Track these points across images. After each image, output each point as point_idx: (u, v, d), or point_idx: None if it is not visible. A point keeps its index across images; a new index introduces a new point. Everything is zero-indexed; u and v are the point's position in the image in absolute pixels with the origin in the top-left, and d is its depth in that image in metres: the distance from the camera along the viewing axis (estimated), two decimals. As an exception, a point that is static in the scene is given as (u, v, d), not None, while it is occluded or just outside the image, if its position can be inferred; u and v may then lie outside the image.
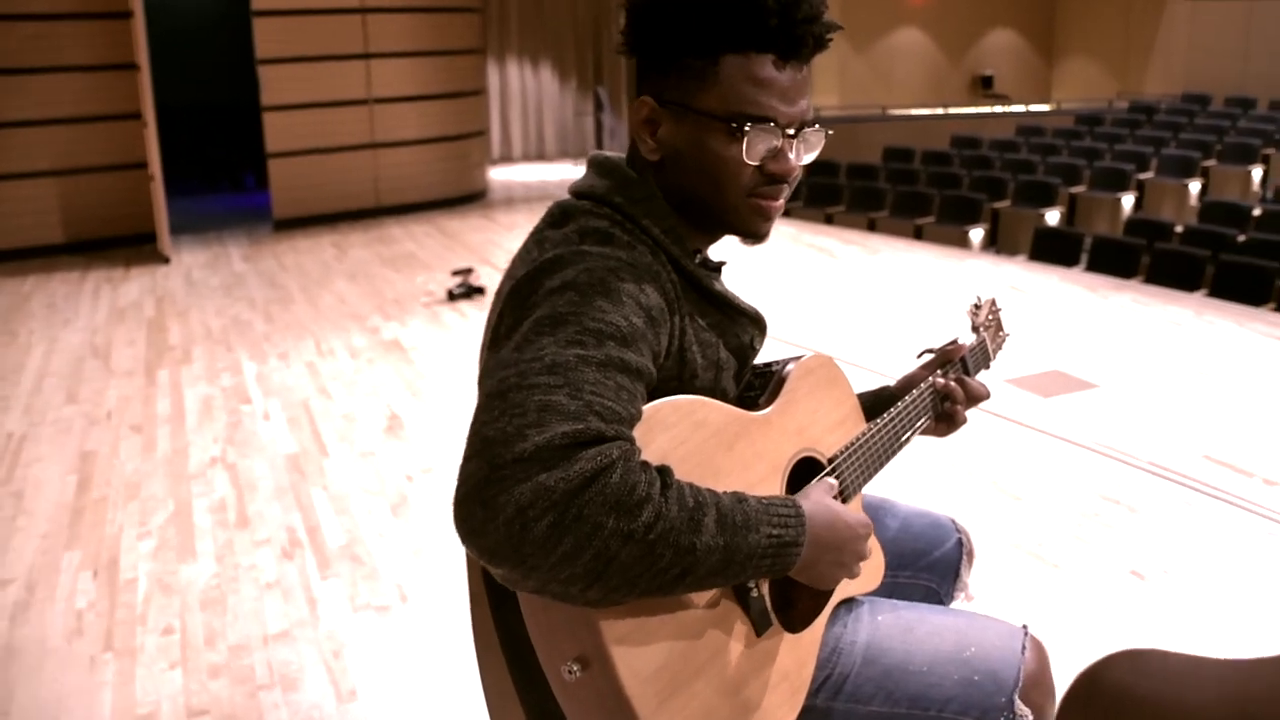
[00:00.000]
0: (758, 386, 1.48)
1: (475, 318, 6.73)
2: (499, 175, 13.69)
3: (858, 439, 1.53)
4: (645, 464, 1.09)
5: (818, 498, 1.30)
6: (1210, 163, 10.83)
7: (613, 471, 1.05)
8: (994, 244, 9.63)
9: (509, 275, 1.35)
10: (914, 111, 15.33)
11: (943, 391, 1.70)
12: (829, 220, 10.66)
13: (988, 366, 1.92)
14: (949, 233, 9.37)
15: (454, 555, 3.60)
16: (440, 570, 3.51)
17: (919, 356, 1.82)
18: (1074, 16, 18.38)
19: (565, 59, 15.75)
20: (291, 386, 5.47)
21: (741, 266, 8.16)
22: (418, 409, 5.08)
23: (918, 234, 9.66)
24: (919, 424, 1.67)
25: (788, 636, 1.34)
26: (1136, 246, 7.48)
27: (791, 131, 1.34)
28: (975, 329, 1.91)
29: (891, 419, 1.61)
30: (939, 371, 1.75)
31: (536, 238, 1.37)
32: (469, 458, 1.09)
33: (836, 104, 15.79)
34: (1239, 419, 4.73)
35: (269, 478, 4.30)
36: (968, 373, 1.80)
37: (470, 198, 11.65)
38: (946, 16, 17.46)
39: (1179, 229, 7.98)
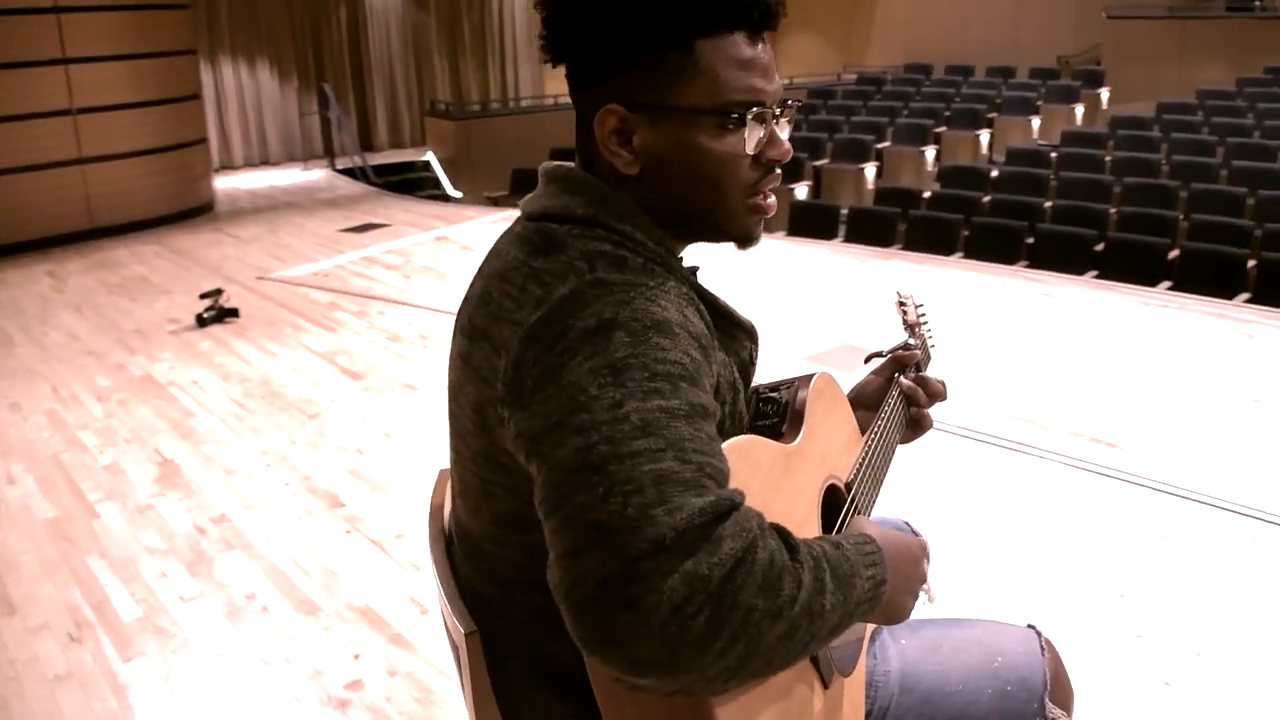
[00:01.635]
0: (771, 413, 1.32)
1: (236, 345, 6.16)
2: (222, 184, 12.76)
3: (863, 457, 1.43)
4: (766, 527, 0.98)
5: (871, 526, 1.20)
6: (941, 129, 11.41)
7: (757, 547, 0.93)
8: (749, 221, 9.76)
9: (504, 319, 1.10)
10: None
11: (909, 394, 1.60)
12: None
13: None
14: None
15: (274, 609, 3.20)
16: (260, 627, 3.11)
17: (867, 361, 1.70)
18: (794, -8, 19.03)
19: (284, 56, 14.88)
20: (34, 441, 4.79)
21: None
22: (192, 451, 4.56)
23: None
24: (900, 431, 1.58)
25: (845, 681, 1.27)
26: (891, 215, 7.75)
27: (778, 111, 1.20)
28: (911, 328, 1.78)
29: (882, 430, 1.51)
30: (898, 375, 1.63)
31: (525, 270, 1.13)
32: (581, 550, 0.91)
33: (555, 91, 15.70)
34: (1030, 375, 4.91)
35: (31, 551, 3.72)
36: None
37: (196, 211, 10.77)
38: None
39: (926, 195, 8.34)
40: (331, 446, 4.53)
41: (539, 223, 1.17)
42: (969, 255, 7.22)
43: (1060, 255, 6.80)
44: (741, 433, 1.20)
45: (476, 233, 9.15)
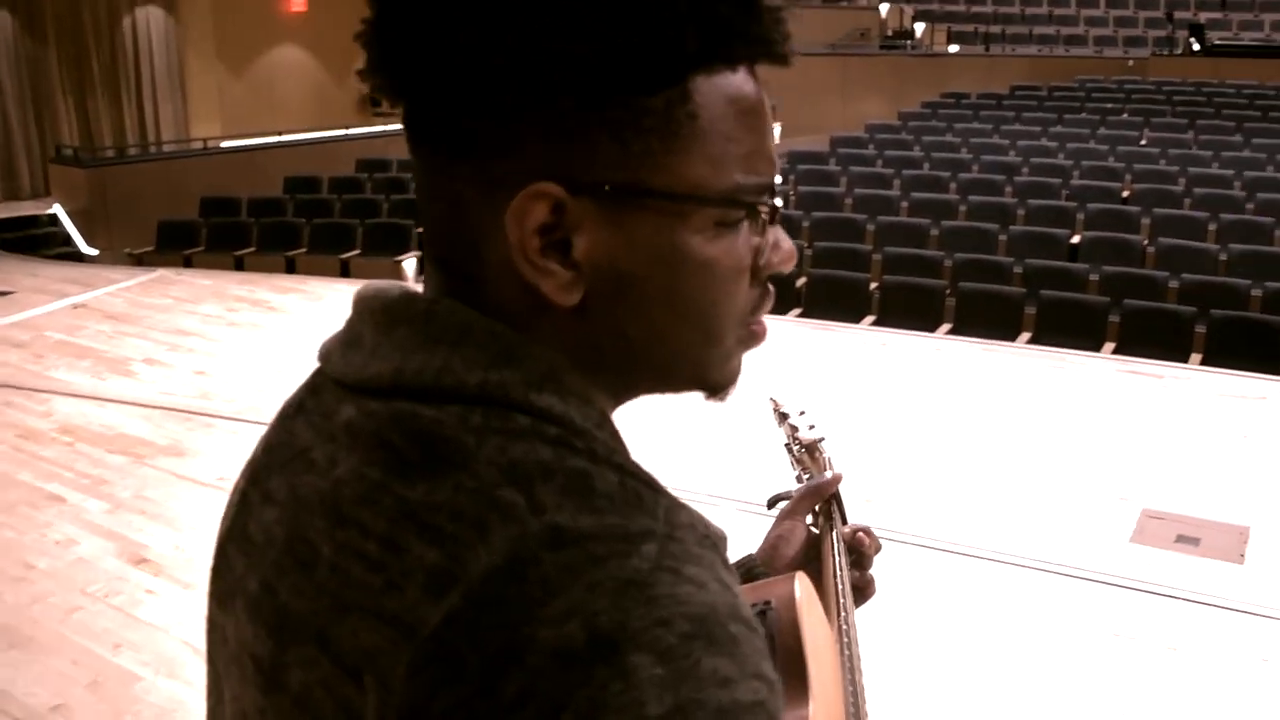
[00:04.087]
0: None
1: None
2: None
3: (849, 677, 1.00)
4: None
5: None
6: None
7: None
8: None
9: (359, 608, 0.55)
10: (308, 135, 14.37)
11: (862, 554, 1.15)
12: (239, 266, 9.61)
13: None
14: (378, 265, 8.92)
15: None
16: None
17: (771, 505, 1.20)
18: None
19: None
20: None
21: (221, 347, 6.52)
22: None
23: (345, 270, 9.10)
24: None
25: None
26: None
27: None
28: (809, 450, 1.29)
29: (847, 622, 1.05)
30: (831, 525, 1.14)
31: (391, 505, 0.56)
32: None
33: (219, 133, 14.44)
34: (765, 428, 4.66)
35: None
36: (843, 516, 1.21)
37: None
38: (325, 32, 16.62)
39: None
40: (-53, 593, 3.56)
41: (391, 403, 0.60)
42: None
43: (762, 294, 6.68)
44: None
45: (122, 297, 8.03)
